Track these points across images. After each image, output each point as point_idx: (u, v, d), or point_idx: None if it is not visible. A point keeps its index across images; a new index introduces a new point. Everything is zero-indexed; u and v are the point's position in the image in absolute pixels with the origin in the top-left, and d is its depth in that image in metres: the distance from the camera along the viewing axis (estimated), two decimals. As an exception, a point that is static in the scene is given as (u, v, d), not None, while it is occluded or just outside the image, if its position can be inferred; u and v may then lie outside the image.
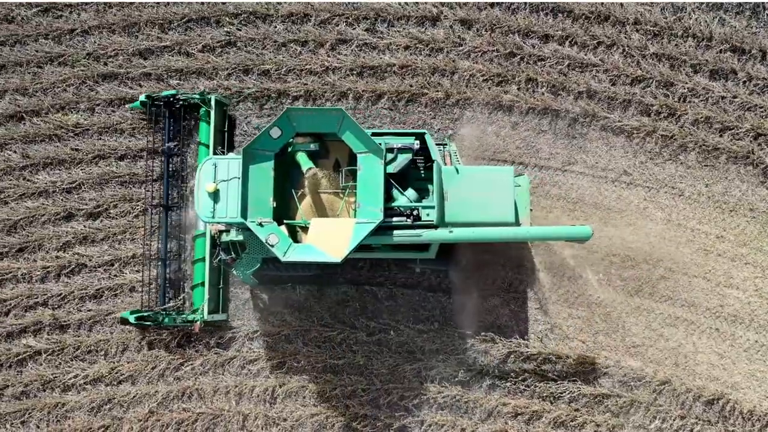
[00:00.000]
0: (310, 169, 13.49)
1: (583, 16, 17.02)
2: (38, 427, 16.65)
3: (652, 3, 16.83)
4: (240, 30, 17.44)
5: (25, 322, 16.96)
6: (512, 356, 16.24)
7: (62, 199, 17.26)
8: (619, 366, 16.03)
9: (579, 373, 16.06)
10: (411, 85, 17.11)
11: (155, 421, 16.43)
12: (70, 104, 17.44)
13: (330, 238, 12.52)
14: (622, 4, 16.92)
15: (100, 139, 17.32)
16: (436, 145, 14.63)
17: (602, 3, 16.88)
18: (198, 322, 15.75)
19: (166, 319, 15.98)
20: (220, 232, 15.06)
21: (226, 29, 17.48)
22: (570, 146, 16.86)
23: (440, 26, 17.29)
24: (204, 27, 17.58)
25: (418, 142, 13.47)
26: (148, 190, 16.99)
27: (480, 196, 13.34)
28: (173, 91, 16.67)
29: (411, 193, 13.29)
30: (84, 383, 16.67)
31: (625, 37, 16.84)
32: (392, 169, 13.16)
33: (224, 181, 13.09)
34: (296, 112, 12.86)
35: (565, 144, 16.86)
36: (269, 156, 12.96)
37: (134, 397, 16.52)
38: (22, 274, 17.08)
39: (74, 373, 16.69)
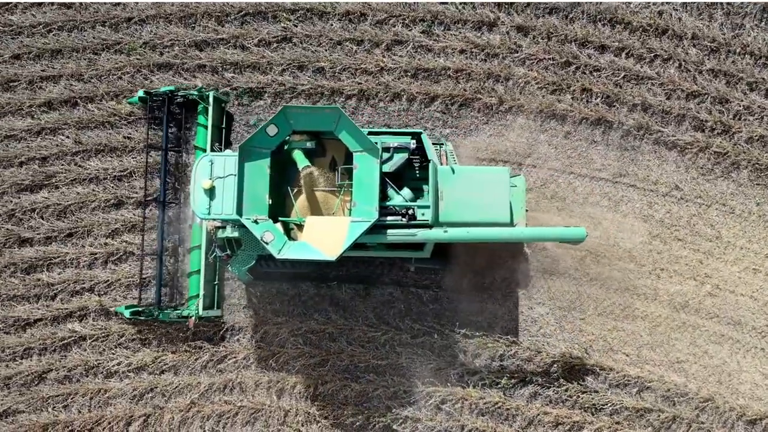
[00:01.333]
0: (306, 167, 12.87)
1: (641, 29, 16.05)
2: (80, 411, 15.84)
3: (711, 17, 15.79)
4: (296, 26, 16.49)
5: (71, 307, 16.14)
6: (556, 365, 15.36)
7: (113, 187, 16.40)
8: (663, 381, 15.14)
9: (621, 385, 15.10)
10: (465, 90, 16.19)
11: (196, 412, 15.61)
12: (124, 92, 16.50)
13: (325, 236, 12.02)
14: (680, 19, 15.81)
15: (153, 129, 16.31)
16: (433, 144, 13.98)
17: (661, 15, 15.77)
18: (193, 318, 14.96)
19: (161, 315, 15.20)
20: (216, 228, 14.28)
21: (282, 24, 16.53)
22: (622, 158, 15.92)
23: (496, 32, 16.33)
24: (261, 21, 16.64)
25: (414, 141, 12.90)
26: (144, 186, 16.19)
27: (475, 196, 12.80)
28: (172, 87, 15.83)
29: (407, 192, 12.72)
30: (127, 371, 15.85)
31: (683, 52, 15.86)
32: (388, 168, 12.64)
33: (220, 177, 12.49)
34: (293, 110, 12.27)
35: (617, 156, 15.92)
36: (266, 153, 12.43)
37: (176, 387, 15.71)
38: (70, 259, 16.24)
39: (118, 360, 15.88)
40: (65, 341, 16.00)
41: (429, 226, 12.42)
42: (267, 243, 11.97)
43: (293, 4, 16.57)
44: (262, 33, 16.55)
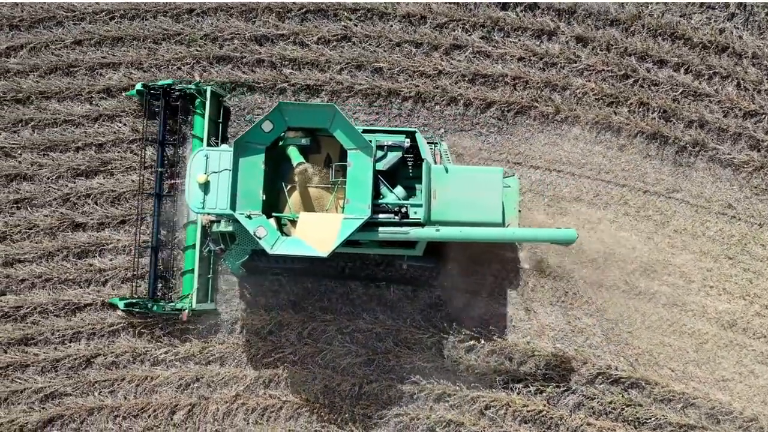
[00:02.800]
0: (300, 163, 12.35)
1: (701, 45, 15.13)
2: (125, 397, 15.07)
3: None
4: (356, 26, 15.56)
5: (122, 294, 15.21)
6: (600, 377, 14.55)
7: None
8: (708, 398, 14.29)
9: (666, 401, 14.24)
10: (521, 97, 15.24)
11: (241, 404, 14.83)
12: (182, 83, 15.52)
13: (318, 232, 11.60)
14: (741, 37, 14.84)
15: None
16: (428, 143, 13.37)
17: (722, 33, 14.83)
18: (186, 311, 14.25)
19: (155, 307, 14.49)
20: (211, 222, 13.71)
21: (343, 23, 15.57)
22: (676, 173, 15.04)
23: (556, 41, 15.41)
24: (321, 19, 15.75)
25: (408, 140, 12.40)
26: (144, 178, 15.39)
27: (468, 195, 12.33)
28: (169, 81, 15.05)
29: (400, 190, 12.28)
30: (174, 359, 15.08)
31: (742, 70, 14.95)
32: (382, 166, 12.21)
33: (215, 172, 12.04)
34: (289, 106, 11.79)
35: (671, 171, 15.03)
36: (260, 149, 11.93)
37: (222, 378, 14.92)
38: (122, 246, 15.39)
39: (165, 349, 15.11)
40: (114, 327, 15.23)
41: (421, 225, 11.94)
42: (260, 238, 11.53)
43: (354, 3, 15.62)
44: (322, 31, 15.65)
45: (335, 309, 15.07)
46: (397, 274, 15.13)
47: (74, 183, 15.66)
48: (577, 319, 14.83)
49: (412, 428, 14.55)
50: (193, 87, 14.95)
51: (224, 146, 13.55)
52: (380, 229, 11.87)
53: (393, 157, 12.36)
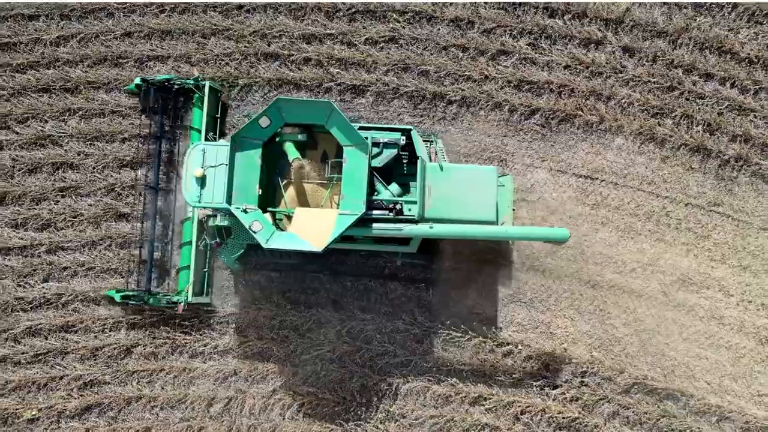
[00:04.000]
0: (296, 159, 11.97)
1: (748, 60, 14.49)
2: (163, 388, 14.51)
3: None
4: (404, 28, 14.90)
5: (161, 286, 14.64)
6: (636, 387, 13.95)
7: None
8: (743, 412, 13.70)
9: (701, 413, 13.64)
10: (566, 105, 14.56)
11: (278, 399, 14.28)
12: (230, 78, 14.91)
13: (313, 227, 11.27)
14: (788, 53, 14.19)
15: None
16: (424, 141, 13.00)
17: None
18: (182, 304, 13.74)
19: (151, 300, 13.95)
20: (208, 216, 13.27)
21: (391, 25, 14.90)
22: (718, 187, 14.42)
23: (602, 50, 14.76)
24: (369, 20, 15.12)
25: (404, 137, 12.04)
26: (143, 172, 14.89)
27: (463, 193, 11.98)
28: (168, 76, 14.50)
29: (395, 187, 11.96)
30: (213, 353, 14.52)
31: (788, 87, 14.17)
32: (377, 163, 11.86)
33: (212, 166, 11.70)
34: (286, 102, 11.41)
35: (714, 184, 14.41)
36: (257, 144, 11.62)
37: (260, 373, 14.35)
38: (165, 243, 14.73)
39: (204, 342, 14.47)
40: (153, 318, 14.57)
41: (415, 222, 11.62)
42: (255, 232, 11.18)
43: (403, 4, 14.95)
44: (370, 32, 15.02)
45: (374, 308, 14.50)
46: (436, 276, 14.49)
47: (119, 174, 15.08)
48: (614, 328, 14.23)
49: (447, 430, 13.96)
50: (192, 82, 14.33)
51: (222, 141, 13.18)
52: (374, 225, 11.53)
53: (388, 154, 12.00)
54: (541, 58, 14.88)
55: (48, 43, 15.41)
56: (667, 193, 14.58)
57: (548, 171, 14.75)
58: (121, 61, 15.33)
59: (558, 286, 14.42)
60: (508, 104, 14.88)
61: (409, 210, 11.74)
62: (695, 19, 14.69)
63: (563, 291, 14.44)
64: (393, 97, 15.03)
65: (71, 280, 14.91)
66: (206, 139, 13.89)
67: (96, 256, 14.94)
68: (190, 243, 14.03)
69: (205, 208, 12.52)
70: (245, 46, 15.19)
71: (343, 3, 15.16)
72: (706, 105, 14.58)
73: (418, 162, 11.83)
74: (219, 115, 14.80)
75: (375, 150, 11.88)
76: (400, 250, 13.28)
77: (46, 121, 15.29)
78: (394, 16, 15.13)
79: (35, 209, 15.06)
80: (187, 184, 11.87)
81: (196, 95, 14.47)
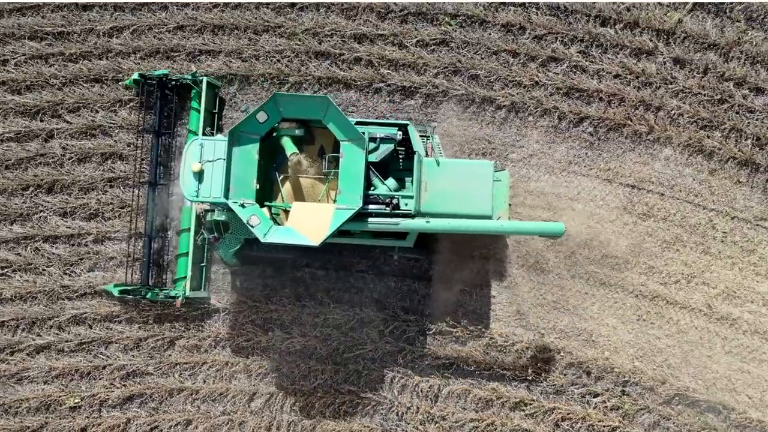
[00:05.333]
0: (294, 153, 11.56)
1: (800, 76, 13.65)
2: (205, 381, 13.92)
3: None
4: (456, 31, 14.19)
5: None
6: (677, 398, 13.33)
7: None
8: (786, 427, 12.92)
9: (741, 427, 12.99)
10: (615, 114, 13.85)
11: (318, 397, 13.69)
12: (280, 75, 14.25)
13: (310, 222, 10.88)
14: (840, 70, 13.48)
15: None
16: (420, 136, 12.49)
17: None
18: (179, 298, 13.19)
19: (149, 294, 13.41)
20: (206, 211, 12.79)
21: (443, 28, 14.20)
22: (765, 202, 13.80)
23: (653, 61, 14.06)
24: (421, 22, 14.47)
25: (400, 132, 11.57)
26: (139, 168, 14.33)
27: (459, 188, 11.61)
28: (165, 71, 13.95)
29: (391, 182, 11.55)
30: (256, 348, 13.92)
31: (839, 104, 13.46)
32: (374, 158, 11.42)
33: (210, 161, 11.26)
34: (283, 97, 11.02)
35: (761, 199, 13.75)
36: (255, 139, 11.18)
37: (302, 371, 13.72)
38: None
39: (248, 337, 13.87)
40: (200, 311, 13.94)
41: (412, 216, 11.23)
42: (253, 226, 10.78)
43: (455, 8, 14.26)
44: (421, 34, 14.36)
45: (418, 310, 13.92)
46: (480, 280, 13.85)
47: (168, 166, 14.42)
48: (657, 338, 13.59)
49: (487, 434, 13.32)
50: (190, 77, 13.74)
51: (219, 136, 12.77)
52: (371, 219, 11.16)
53: (385, 149, 11.54)
54: (592, 67, 14.19)
55: (101, 33, 14.80)
56: (714, 206, 13.90)
57: (595, 179, 14.07)
58: (173, 54, 14.71)
59: (602, 294, 13.77)
60: (557, 111, 14.21)
61: (406, 204, 11.36)
62: (747, 33, 13.99)
63: (607, 299, 13.79)
64: (442, 99, 14.38)
65: (117, 270, 14.29)
66: (204, 134, 13.38)
67: (142, 247, 14.28)
68: (188, 230, 13.50)
69: (202, 202, 12.06)
70: (297, 44, 14.55)
71: (395, 4, 14.48)
72: (756, 119, 13.89)
73: (415, 157, 11.48)
74: (216, 111, 14.23)
75: (372, 145, 11.45)
76: (396, 245, 12.81)
77: (97, 111, 14.69)
78: (446, 19, 14.43)
79: (83, 198, 14.48)
80: (185, 178, 11.41)
81: (194, 90, 13.90)
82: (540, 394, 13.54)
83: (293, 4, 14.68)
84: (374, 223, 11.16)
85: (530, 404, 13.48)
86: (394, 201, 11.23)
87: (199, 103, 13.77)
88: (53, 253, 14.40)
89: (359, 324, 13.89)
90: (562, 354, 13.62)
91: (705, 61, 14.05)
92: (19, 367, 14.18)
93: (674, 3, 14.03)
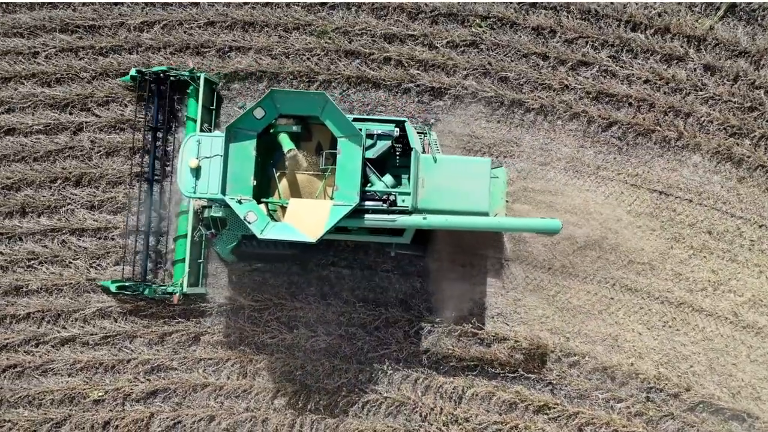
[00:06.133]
0: (291, 150, 11.22)
1: (830, 85, 13.22)
2: (228, 377, 13.54)
3: None
4: (486, 33, 13.77)
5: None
6: (702, 405, 13.00)
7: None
8: (810, 438, 12.53)
9: (765, 435, 12.59)
10: (645, 119, 13.44)
11: (342, 396, 13.27)
12: (310, 73, 13.86)
13: (307, 218, 10.62)
14: None
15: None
16: (418, 133, 12.20)
17: None
18: (177, 294, 12.87)
19: (147, 290, 13.09)
20: (203, 207, 12.49)
21: (473, 30, 13.79)
22: (793, 211, 13.21)
23: (683, 67, 13.65)
24: (452, 23, 14.07)
25: (397, 129, 11.26)
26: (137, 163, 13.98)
27: (456, 184, 11.38)
28: (163, 67, 13.60)
29: (388, 179, 11.24)
30: (281, 345, 13.56)
31: None
32: (371, 154, 11.14)
33: (207, 157, 10.99)
34: (280, 94, 10.72)
35: (789, 208, 13.22)
36: (252, 135, 10.88)
37: (326, 370, 13.35)
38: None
39: (272, 334, 13.49)
40: (224, 307, 13.60)
41: (408, 213, 10.99)
42: (250, 223, 10.51)
43: (486, 9, 13.85)
44: (452, 35, 13.97)
45: (443, 311, 13.44)
46: (506, 282, 13.48)
47: (196, 162, 13.99)
48: (682, 345, 13.21)
49: (510, 437, 12.96)
50: (187, 73, 13.39)
51: (216, 132, 12.47)
52: (368, 216, 10.87)
53: (382, 145, 11.24)
54: (622, 71, 13.80)
55: (132, 28, 14.42)
56: (742, 214, 13.51)
57: (623, 184, 13.68)
58: (203, 50, 14.33)
59: (627, 299, 13.39)
60: (586, 115, 13.81)
61: (403, 201, 11.05)
62: (779, 41, 13.56)
63: (632, 305, 13.41)
64: (471, 101, 13.99)
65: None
66: (201, 130, 13.07)
67: (168, 242, 13.92)
68: (185, 236, 13.19)
69: (200, 198, 11.80)
70: (327, 42, 14.14)
71: (426, 4, 14.06)
72: (786, 128, 13.45)
73: (412, 153, 11.17)
74: (214, 107, 13.89)
75: (369, 141, 11.15)
76: (393, 241, 12.52)
77: (126, 106, 14.31)
78: (477, 21, 14.02)
79: (111, 192, 14.12)
80: (183, 175, 11.16)
81: (192, 87, 13.55)
82: (564, 398, 13.17)
83: (324, 3, 14.27)
84: (371, 219, 10.89)
85: (554, 408, 13.11)
86: (391, 197, 11.00)
87: (197, 100, 13.42)
88: (80, 246, 14.04)
89: (384, 324, 13.53)
90: (586, 358, 13.25)
91: (736, 68, 13.65)
92: (43, 359, 13.84)
93: (707, 3, 13.59)
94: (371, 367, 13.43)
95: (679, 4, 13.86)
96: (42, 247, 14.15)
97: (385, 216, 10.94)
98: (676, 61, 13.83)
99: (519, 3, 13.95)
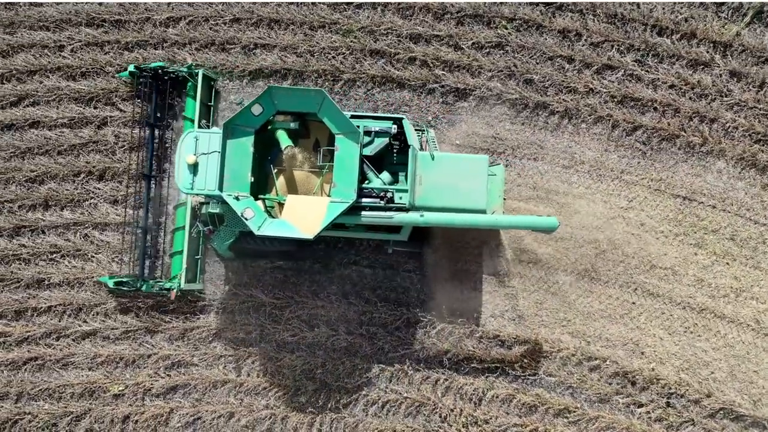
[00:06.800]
0: (288, 146, 11.01)
1: None
2: (249, 374, 13.37)
3: None
4: (512, 35, 13.46)
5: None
6: (722, 412, 12.72)
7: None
8: (831, 447, 12.23)
9: (786, 443, 12.29)
10: (669, 124, 13.13)
11: (362, 395, 13.09)
12: (335, 72, 13.56)
13: (304, 215, 10.46)
14: None
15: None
16: (415, 130, 11.91)
17: None
18: (174, 290, 12.64)
19: (144, 286, 12.87)
20: (201, 203, 12.25)
21: (499, 31, 13.48)
22: (817, 219, 12.90)
23: (709, 73, 13.30)
24: (477, 24, 13.76)
25: (395, 126, 11.07)
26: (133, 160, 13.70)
27: (453, 182, 11.16)
28: (161, 63, 13.37)
29: (386, 176, 11.08)
30: (302, 344, 13.33)
31: None
32: (369, 151, 10.95)
33: (204, 154, 10.82)
34: (278, 90, 10.53)
35: (813, 215, 12.91)
36: (250, 132, 10.68)
37: (346, 368, 13.11)
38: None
39: (293, 332, 13.25)
40: (246, 303, 13.33)
41: (406, 210, 10.80)
42: (247, 219, 10.33)
43: (512, 11, 13.54)
44: (478, 36, 13.68)
45: (466, 312, 13.21)
46: (527, 284, 13.20)
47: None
48: (703, 351, 12.92)
49: (530, 439, 12.69)
50: (185, 70, 13.16)
51: (214, 128, 12.26)
52: (365, 213, 10.67)
53: (380, 142, 11.05)
54: (647, 76, 13.49)
55: (157, 23, 14.14)
56: (766, 221, 13.25)
57: (646, 189, 13.38)
58: (228, 46, 14.04)
59: (649, 304, 13.10)
60: (611, 119, 13.50)
61: (400, 198, 10.88)
62: (806, 49, 13.23)
63: (654, 310, 13.12)
64: (496, 103, 13.70)
65: (163, 258, 13.65)
66: (199, 127, 12.76)
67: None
68: (183, 228, 13.00)
69: (197, 195, 11.61)
70: (352, 41, 13.84)
71: (452, 5, 13.75)
72: (812, 136, 13.13)
73: (410, 150, 10.92)
74: (212, 103, 13.66)
75: (366, 138, 10.96)
76: (390, 238, 12.29)
77: (149, 102, 13.97)
78: (503, 22, 13.70)
79: (134, 186, 13.82)
80: (180, 171, 10.97)
81: (190, 83, 13.29)
82: (584, 402, 12.90)
83: (350, 2, 13.98)
84: (368, 216, 10.70)
85: (574, 412, 12.84)
86: (389, 194, 10.83)
87: (195, 96, 13.17)
88: (102, 240, 13.78)
89: (405, 324, 13.26)
90: (607, 363, 12.97)
91: (762, 75, 13.35)
92: (64, 353, 13.59)
93: (734, 8, 13.28)
94: (392, 367, 13.17)
95: (706, 9, 13.53)
96: (65, 240, 13.89)
97: (382, 213, 10.76)
98: (701, 67, 13.52)
99: (546, 5, 13.62)
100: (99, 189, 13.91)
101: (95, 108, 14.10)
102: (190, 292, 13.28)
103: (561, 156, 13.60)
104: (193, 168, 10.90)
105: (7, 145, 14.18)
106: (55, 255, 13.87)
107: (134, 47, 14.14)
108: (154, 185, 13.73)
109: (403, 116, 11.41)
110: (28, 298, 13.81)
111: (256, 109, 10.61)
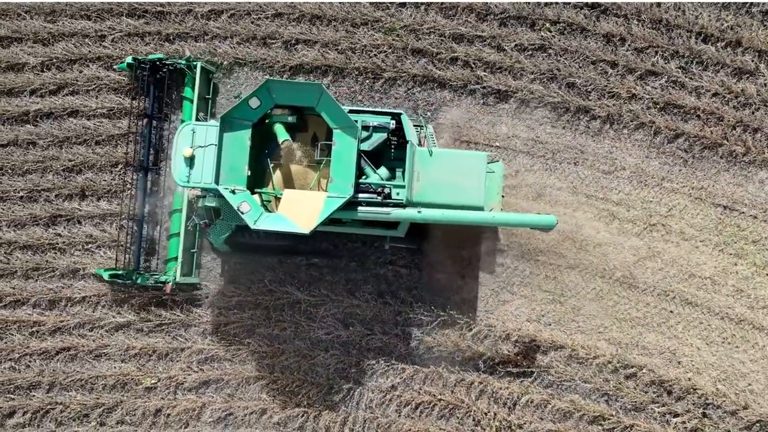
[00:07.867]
0: (285, 140, 10.63)
1: None
2: (282, 372, 13.04)
3: None
4: (555, 38, 12.91)
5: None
6: (758, 424, 12.38)
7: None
8: None
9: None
10: (712, 133, 12.58)
11: (396, 395, 12.66)
12: (376, 69, 13.04)
13: (301, 209, 10.15)
14: None
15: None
16: (414, 126, 11.60)
17: None
18: (170, 284, 12.24)
19: (139, 279, 12.47)
20: (197, 197, 11.81)
21: (542, 34, 12.94)
22: None
23: (754, 81, 12.76)
24: (520, 26, 13.23)
25: (393, 121, 10.75)
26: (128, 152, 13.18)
27: (451, 178, 10.83)
28: (160, 55, 12.91)
29: (383, 171, 10.76)
30: (335, 342, 12.89)
31: None
32: (367, 146, 10.64)
33: (201, 147, 10.48)
34: (276, 84, 10.24)
35: None
36: (247, 125, 10.35)
37: (380, 368, 12.65)
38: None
39: (327, 330, 12.86)
40: (281, 300, 12.84)
41: (403, 206, 10.48)
42: (243, 213, 10.05)
43: (556, 14, 13.01)
44: (521, 38, 13.15)
45: (501, 316, 12.67)
46: (565, 289, 12.68)
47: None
48: (741, 362, 12.42)
49: (563, 446, 12.18)
50: (183, 62, 12.70)
51: (212, 121, 11.89)
52: (362, 208, 10.42)
53: (378, 138, 10.72)
54: (691, 83, 12.95)
55: (199, 15, 13.63)
56: (805, 232, 12.64)
57: (687, 197, 12.85)
58: (269, 41, 13.55)
59: (687, 313, 12.59)
60: (653, 126, 12.97)
61: (398, 194, 10.54)
62: None
63: (692, 319, 12.60)
64: (537, 106, 13.19)
65: (201, 255, 13.18)
66: (197, 119, 12.42)
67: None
68: (180, 210, 12.58)
69: (193, 188, 11.23)
70: (394, 40, 13.31)
71: (496, 6, 13.20)
72: None
73: (408, 146, 10.60)
74: (210, 97, 13.19)
75: (364, 133, 10.64)
76: (388, 234, 11.91)
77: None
78: (547, 25, 13.16)
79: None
80: (177, 163, 10.61)
81: (188, 75, 12.84)
82: (619, 410, 12.41)
83: (393, 1, 13.44)
84: (365, 212, 10.41)
85: (609, 419, 12.35)
86: (386, 190, 10.50)
87: (193, 89, 12.74)
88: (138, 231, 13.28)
89: (441, 325, 12.76)
90: (644, 371, 12.47)
91: (808, 85, 12.76)
92: (97, 344, 13.15)
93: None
94: (426, 369, 12.70)
95: (752, 17, 12.98)
96: (100, 231, 13.44)
97: (380, 209, 10.43)
98: (746, 75, 12.98)
99: (590, 7, 13.08)
100: (136, 180, 13.41)
101: (134, 99, 13.59)
102: (190, 286, 12.86)
103: (601, 161, 13.08)
104: (190, 161, 10.53)
105: (45, 133, 13.72)
106: (90, 246, 13.40)
107: (175, 39, 13.65)
108: (150, 177, 13.24)
109: (402, 112, 11.03)
110: (63, 288, 13.36)
111: (254, 103, 10.25)
